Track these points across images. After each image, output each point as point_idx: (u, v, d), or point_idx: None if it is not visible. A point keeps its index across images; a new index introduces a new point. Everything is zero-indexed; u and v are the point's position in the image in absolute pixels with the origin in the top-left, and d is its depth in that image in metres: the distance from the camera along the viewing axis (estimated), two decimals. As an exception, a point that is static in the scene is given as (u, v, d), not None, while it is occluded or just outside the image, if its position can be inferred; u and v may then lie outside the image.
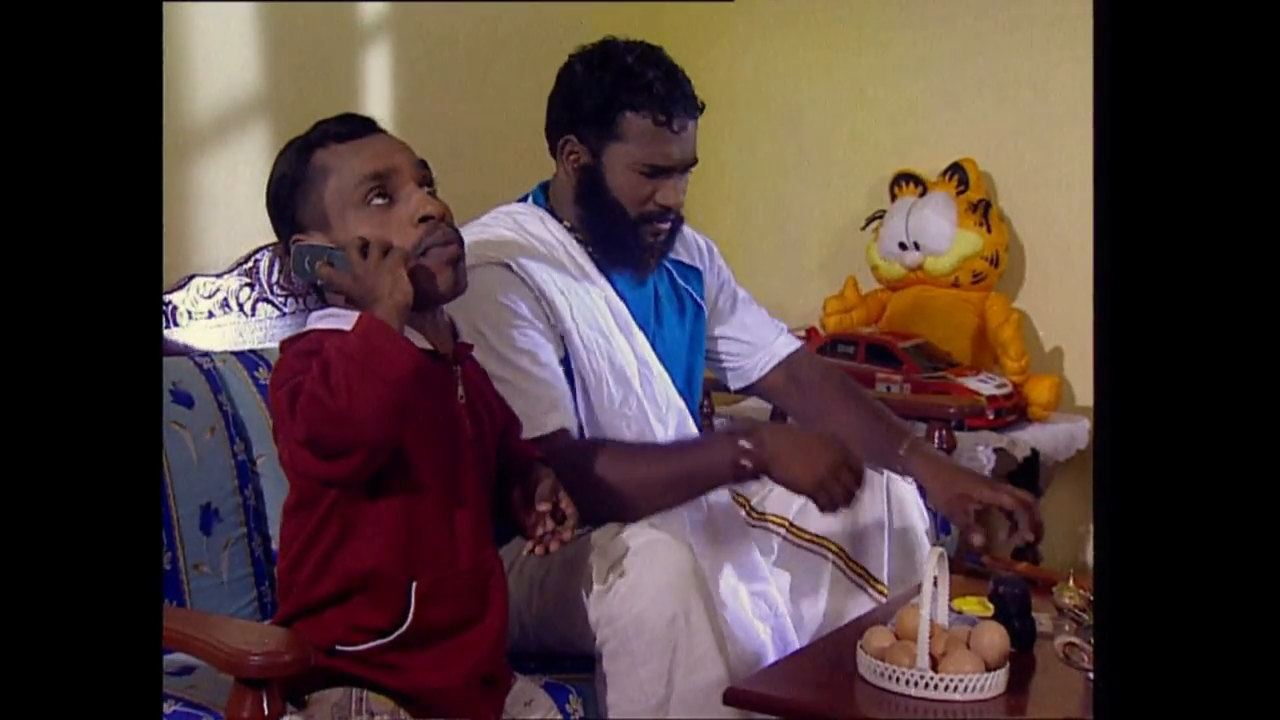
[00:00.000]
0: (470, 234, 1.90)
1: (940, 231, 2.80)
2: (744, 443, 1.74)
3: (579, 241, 1.93)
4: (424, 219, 1.43)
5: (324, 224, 1.45)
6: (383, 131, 1.50)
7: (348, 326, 1.40)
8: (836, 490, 1.74)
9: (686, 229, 2.07)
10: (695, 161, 1.91)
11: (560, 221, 1.93)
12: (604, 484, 1.72)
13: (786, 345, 2.15)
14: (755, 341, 2.14)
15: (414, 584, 1.41)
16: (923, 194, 2.87)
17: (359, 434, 1.30)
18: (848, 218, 3.03)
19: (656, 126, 1.84)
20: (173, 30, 2.13)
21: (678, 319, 2.04)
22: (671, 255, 2.03)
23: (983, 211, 2.80)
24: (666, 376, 1.94)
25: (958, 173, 2.83)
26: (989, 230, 2.81)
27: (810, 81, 3.06)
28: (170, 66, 2.13)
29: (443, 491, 1.44)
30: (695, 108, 1.89)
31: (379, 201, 1.43)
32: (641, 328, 1.95)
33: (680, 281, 2.05)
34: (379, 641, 1.41)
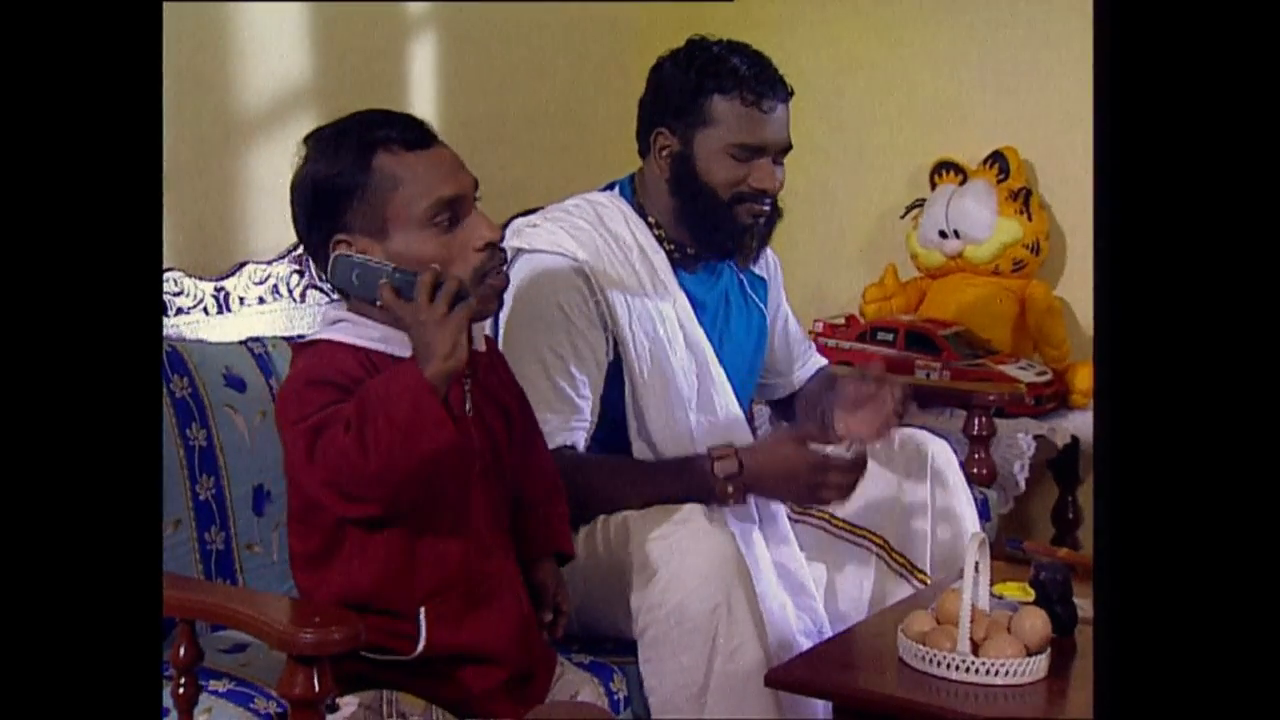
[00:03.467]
0: (549, 218, 1.91)
1: (980, 219, 2.80)
2: (721, 472, 1.76)
3: (659, 240, 1.92)
4: (486, 245, 1.42)
5: (380, 232, 1.40)
6: (442, 143, 1.46)
7: (361, 341, 1.40)
8: (828, 493, 1.78)
9: None
10: (789, 146, 1.91)
11: (644, 218, 1.92)
12: (593, 499, 1.75)
13: (815, 364, 2.20)
14: (792, 360, 2.18)
15: (422, 609, 1.41)
16: (963, 182, 2.87)
17: (388, 494, 1.32)
18: (887, 206, 3.03)
19: (745, 108, 1.85)
20: (225, 24, 2.16)
21: (745, 325, 2.04)
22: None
23: (1024, 199, 2.80)
24: (729, 387, 1.94)
25: (998, 161, 2.82)
26: (1030, 218, 2.80)
27: (850, 70, 3.05)
28: (223, 59, 2.16)
29: (446, 510, 1.43)
30: (785, 91, 1.89)
31: (442, 221, 1.40)
32: (708, 333, 1.95)
33: (749, 290, 2.06)
34: (399, 657, 1.41)
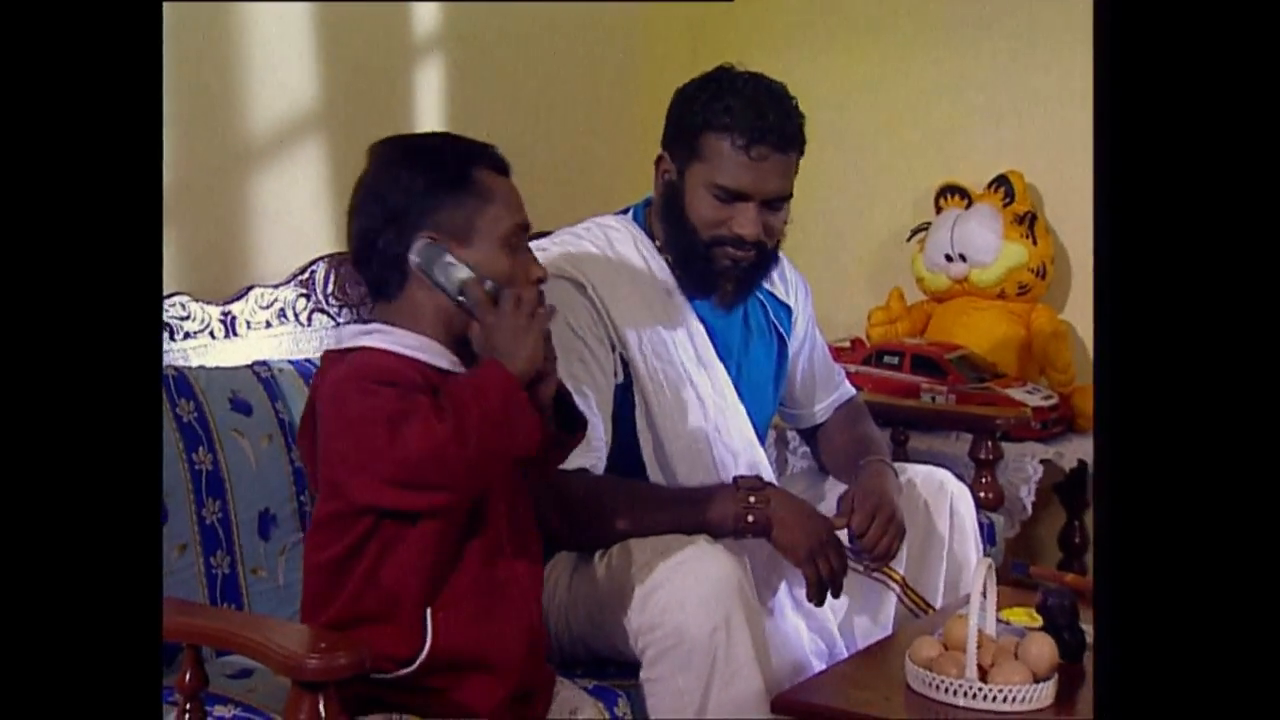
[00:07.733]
0: (557, 242, 1.92)
1: (986, 243, 2.80)
2: (752, 499, 1.77)
3: (668, 263, 1.92)
4: (538, 280, 1.51)
5: (465, 239, 1.47)
6: None
7: (400, 349, 1.44)
8: (824, 567, 1.78)
9: (788, 266, 2.07)
10: (781, 196, 1.86)
11: (653, 240, 1.93)
12: (612, 525, 1.74)
13: (840, 397, 2.17)
14: (813, 393, 2.15)
15: (428, 610, 1.43)
16: (968, 206, 2.87)
17: (475, 482, 1.40)
18: (893, 230, 3.03)
19: (734, 150, 1.81)
20: (231, 45, 2.17)
21: (765, 352, 2.03)
22: (768, 288, 2.02)
23: (1029, 223, 2.80)
24: (743, 410, 1.93)
25: (1004, 185, 2.83)
26: (1035, 242, 2.80)
27: (855, 93, 3.06)
28: (229, 81, 2.17)
29: (471, 518, 1.47)
30: (784, 142, 1.83)
31: (515, 244, 1.50)
32: (724, 358, 1.93)
33: (772, 316, 2.04)
34: (406, 670, 1.43)
